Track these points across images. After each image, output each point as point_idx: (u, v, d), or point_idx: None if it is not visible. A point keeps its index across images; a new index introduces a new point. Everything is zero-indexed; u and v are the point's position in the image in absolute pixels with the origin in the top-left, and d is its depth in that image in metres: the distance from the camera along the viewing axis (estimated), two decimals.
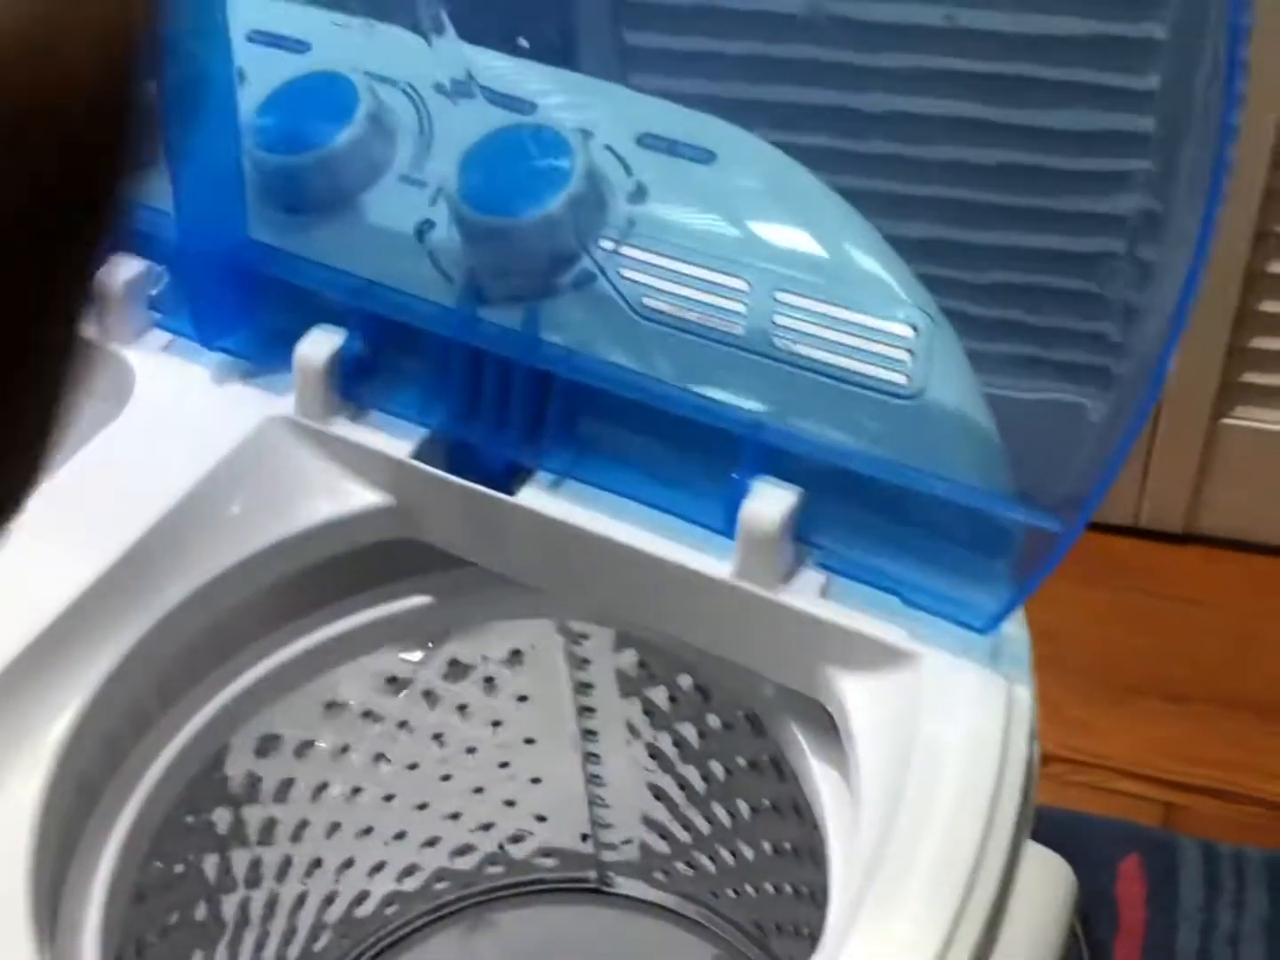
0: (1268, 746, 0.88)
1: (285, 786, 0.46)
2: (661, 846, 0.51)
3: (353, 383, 0.41)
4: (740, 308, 0.35)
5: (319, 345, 0.41)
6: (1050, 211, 0.34)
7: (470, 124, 0.41)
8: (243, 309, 0.42)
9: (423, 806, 0.51)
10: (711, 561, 0.37)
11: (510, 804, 0.52)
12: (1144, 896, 0.82)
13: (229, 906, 0.46)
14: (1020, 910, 0.31)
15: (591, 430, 0.39)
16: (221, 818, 0.44)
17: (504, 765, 0.50)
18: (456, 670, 0.47)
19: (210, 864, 0.45)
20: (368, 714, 0.47)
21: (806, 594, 0.36)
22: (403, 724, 0.48)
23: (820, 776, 0.38)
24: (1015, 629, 0.35)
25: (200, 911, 0.45)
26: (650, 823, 0.51)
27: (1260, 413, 0.94)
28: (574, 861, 0.54)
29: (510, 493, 0.39)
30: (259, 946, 0.47)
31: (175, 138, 0.39)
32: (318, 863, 0.49)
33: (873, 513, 0.35)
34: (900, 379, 0.33)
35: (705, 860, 0.50)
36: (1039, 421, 0.33)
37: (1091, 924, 0.81)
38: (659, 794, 0.49)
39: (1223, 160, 0.27)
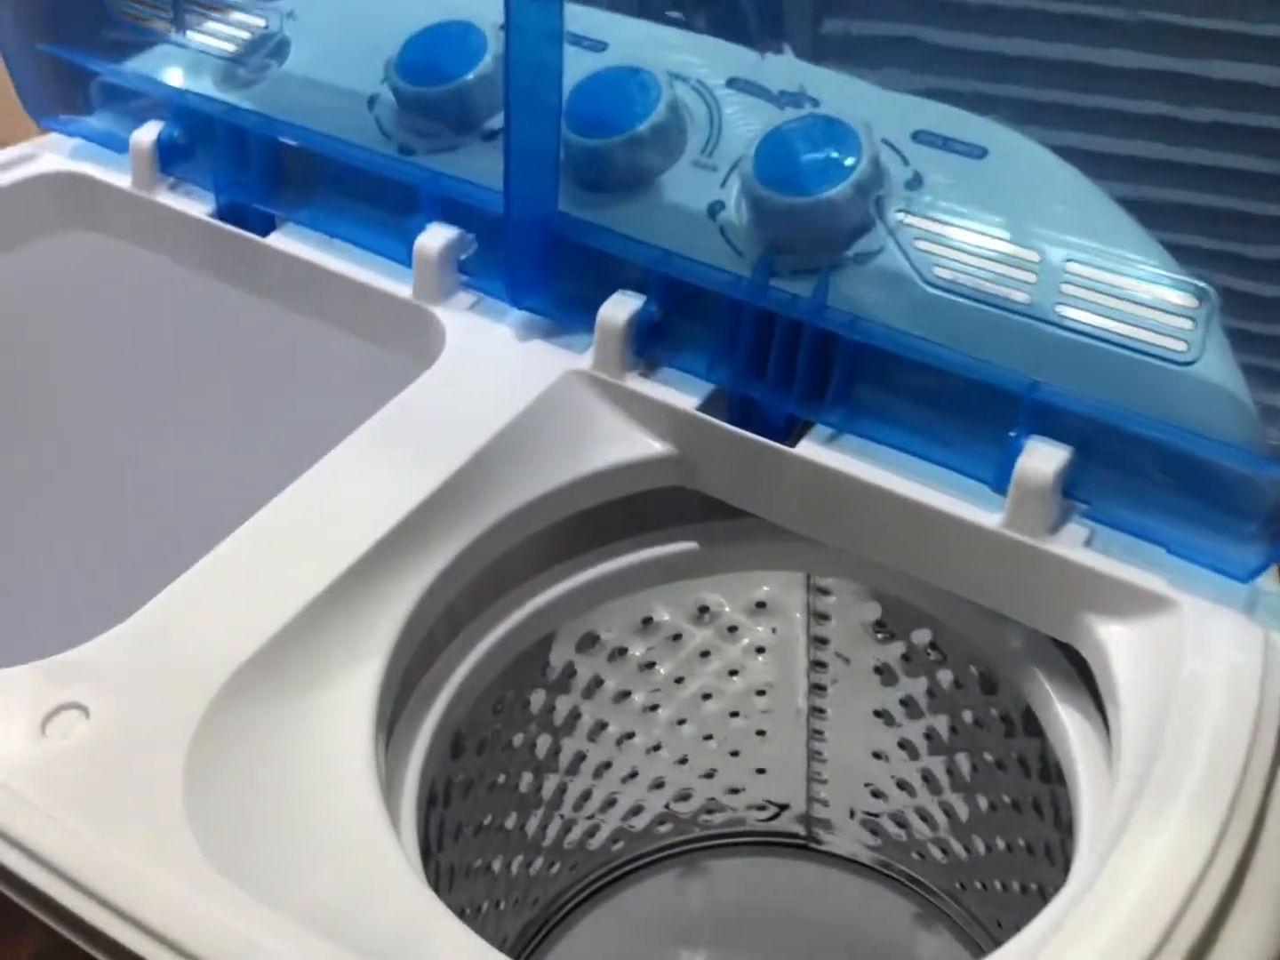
0: None
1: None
2: (874, 805, 0.55)
3: (646, 342, 0.46)
4: (1029, 276, 0.39)
5: (620, 307, 0.45)
6: None
7: (757, 117, 0.46)
8: (549, 274, 0.47)
9: (656, 748, 0.55)
10: (981, 513, 0.41)
11: (734, 754, 0.56)
12: None
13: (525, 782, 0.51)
14: (1273, 833, 0.35)
15: (871, 389, 0.43)
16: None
17: (734, 715, 0.54)
18: (704, 616, 0.51)
19: (518, 739, 0.50)
20: (621, 651, 0.51)
21: (1072, 544, 0.40)
22: (650, 665, 0.52)
23: (1066, 720, 0.42)
24: (1271, 585, 0.38)
25: (501, 779, 0.50)
26: (866, 782, 0.55)
27: None
28: (787, 817, 0.58)
29: (790, 444, 0.43)
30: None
31: (514, 122, 0.44)
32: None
33: (1138, 471, 0.39)
34: (1180, 346, 0.37)
35: (916, 819, 0.54)
36: None
37: None
38: (878, 753, 0.53)
39: None
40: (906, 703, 0.51)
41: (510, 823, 0.52)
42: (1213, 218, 0.38)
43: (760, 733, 0.55)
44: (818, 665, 0.52)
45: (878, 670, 0.51)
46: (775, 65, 0.47)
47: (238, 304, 0.55)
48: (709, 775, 0.56)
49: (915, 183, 0.43)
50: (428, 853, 0.45)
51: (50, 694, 0.38)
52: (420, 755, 0.44)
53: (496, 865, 0.52)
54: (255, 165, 0.53)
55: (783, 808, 0.57)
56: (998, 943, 0.51)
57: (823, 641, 0.52)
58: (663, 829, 0.57)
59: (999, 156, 0.43)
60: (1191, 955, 0.31)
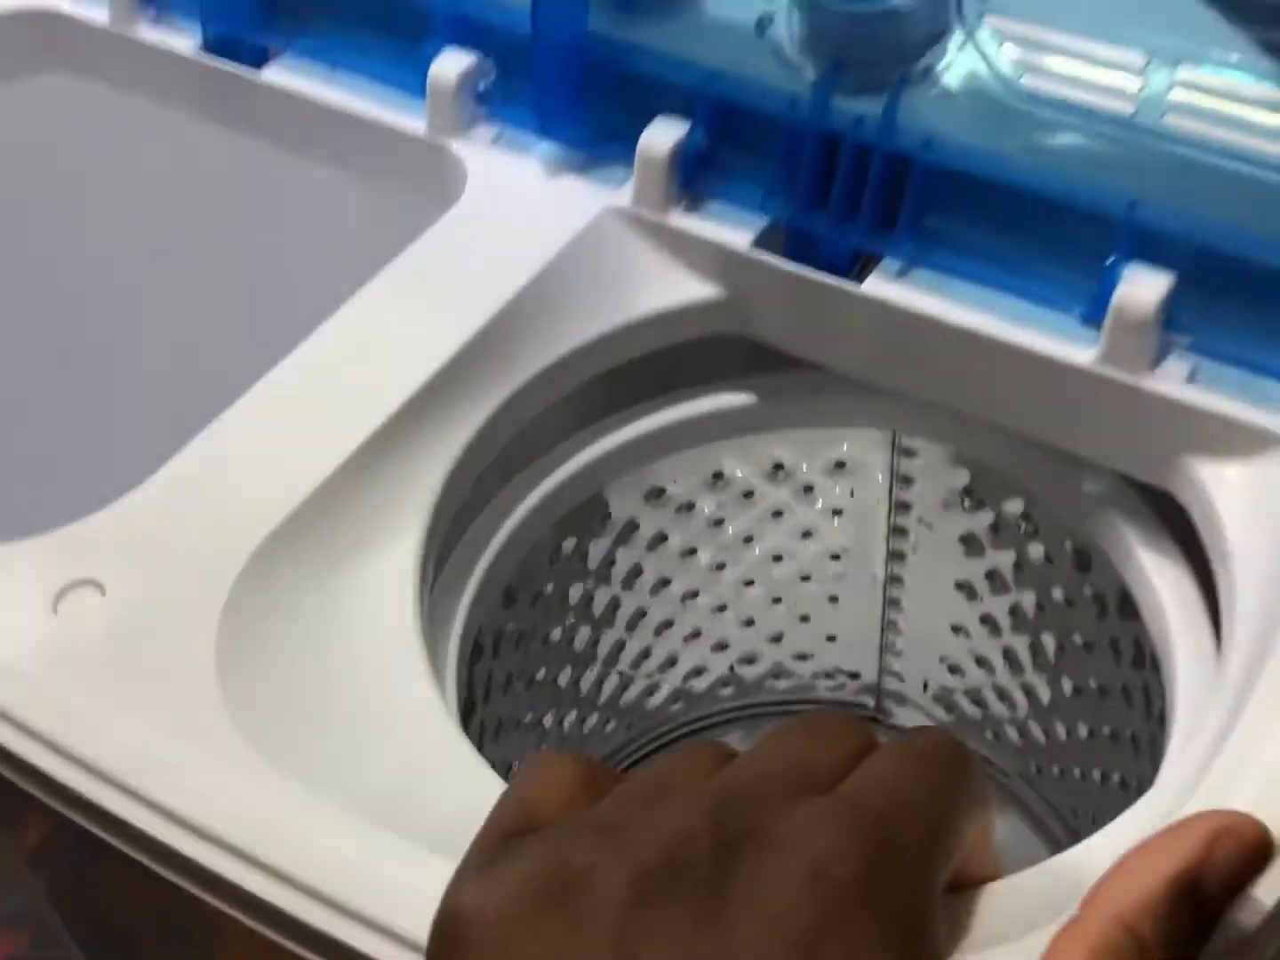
0: None
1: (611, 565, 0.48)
2: (950, 681, 0.52)
3: (692, 174, 0.42)
4: (1134, 83, 0.35)
5: (663, 135, 0.41)
6: None
7: None
8: (581, 100, 0.43)
9: (721, 609, 0.52)
10: (1073, 349, 0.37)
11: (804, 619, 0.53)
12: None
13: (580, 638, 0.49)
14: None
15: (946, 218, 0.39)
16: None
17: (805, 579, 0.51)
18: (778, 474, 0.48)
19: (575, 593, 0.48)
20: (689, 506, 0.48)
21: (1174, 380, 0.36)
22: (718, 522, 0.49)
23: (1163, 590, 0.39)
24: None
25: (556, 634, 0.48)
26: (942, 657, 0.52)
27: None
28: (856, 687, 0.55)
29: (858, 280, 0.39)
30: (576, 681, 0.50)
31: None
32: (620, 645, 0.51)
33: (1246, 297, 0.35)
34: None
35: (994, 698, 0.51)
36: None
37: None
38: (958, 628, 0.50)
39: None
40: (992, 576, 0.48)
41: (564, 678, 0.50)
42: None
43: (833, 599, 0.52)
44: (899, 531, 0.49)
45: (963, 540, 0.48)
46: None
47: (232, 148, 0.50)
48: (776, 639, 0.53)
49: None
50: (472, 706, 0.42)
51: (61, 569, 0.34)
52: (466, 606, 0.41)
53: (548, 720, 0.49)
54: None
55: (853, 677, 0.55)
56: (1074, 833, 0.50)
57: (906, 506, 0.48)
58: (725, 691, 0.55)
59: None
60: None
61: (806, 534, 0.50)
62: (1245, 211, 0.35)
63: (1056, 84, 0.37)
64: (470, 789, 0.32)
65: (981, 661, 0.50)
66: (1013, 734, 0.52)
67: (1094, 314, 0.37)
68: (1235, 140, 0.34)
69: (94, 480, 0.37)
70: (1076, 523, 0.43)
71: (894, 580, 0.52)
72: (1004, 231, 0.38)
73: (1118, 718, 0.45)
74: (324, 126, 0.47)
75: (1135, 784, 0.44)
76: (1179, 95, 0.35)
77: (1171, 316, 0.36)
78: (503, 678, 0.46)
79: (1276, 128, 0.34)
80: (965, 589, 0.49)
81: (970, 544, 0.48)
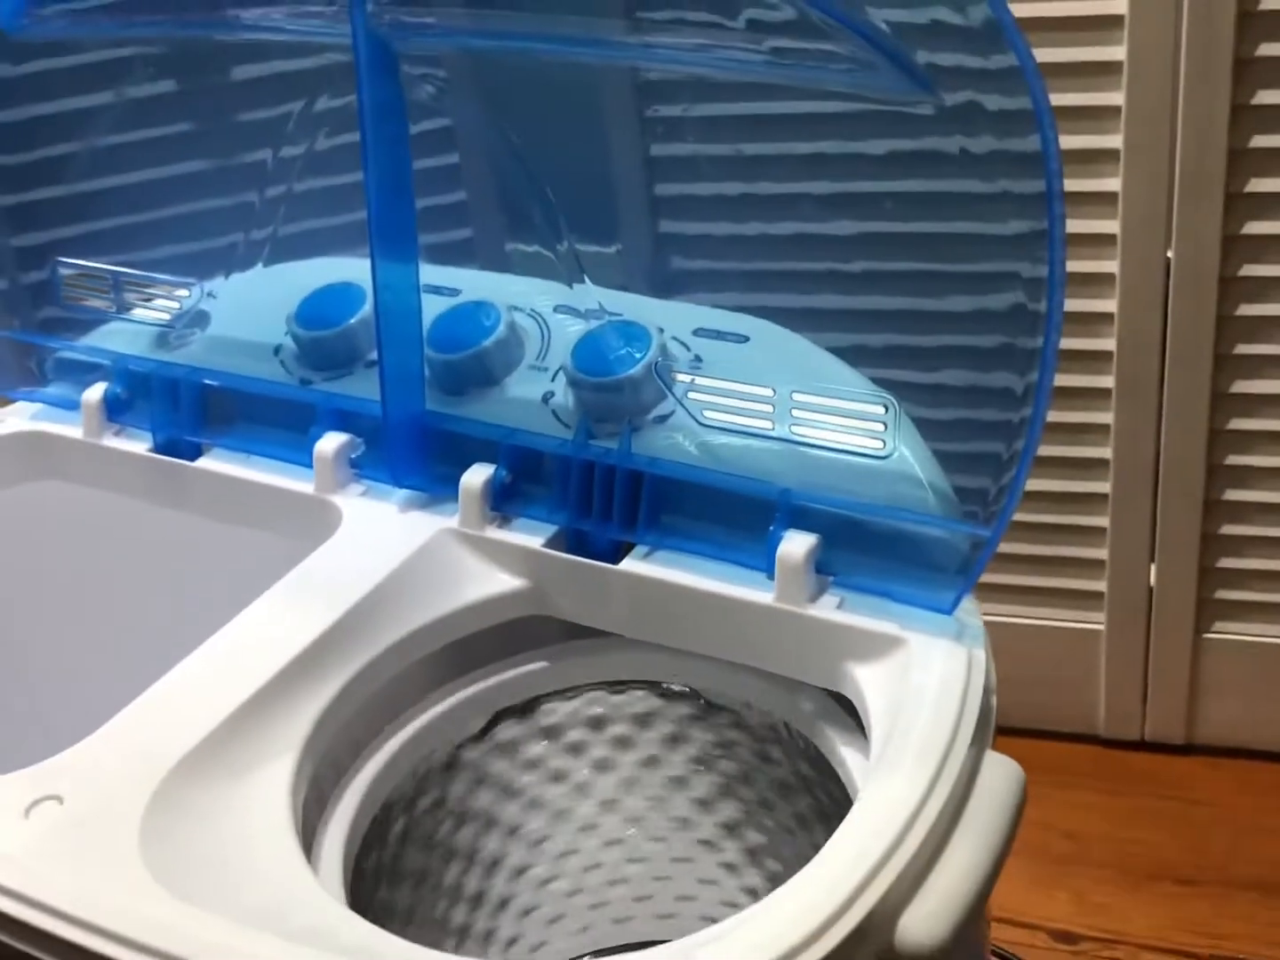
0: (1273, 920, 0.99)
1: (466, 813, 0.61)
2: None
3: (500, 501, 0.58)
4: (769, 408, 0.53)
5: (476, 475, 0.58)
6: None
7: (576, 327, 0.60)
8: (422, 458, 0.60)
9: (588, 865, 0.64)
10: (758, 593, 0.53)
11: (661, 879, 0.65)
12: None
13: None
14: (982, 791, 0.45)
15: (672, 514, 0.55)
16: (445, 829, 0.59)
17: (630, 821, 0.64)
18: (598, 721, 0.62)
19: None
20: (531, 761, 0.62)
21: (828, 608, 0.51)
22: (560, 775, 0.62)
23: (849, 757, 0.52)
24: (973, 619, 0.50)
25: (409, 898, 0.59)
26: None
27: (1236, 626, 1.08)
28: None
29: (615, 563, 0.55)
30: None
31: (385, 351, 0.58)
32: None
33: (867, 544, 0.51)
34: (878, 444, 0.50)
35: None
36: (967, 464, 0.50)
37: None
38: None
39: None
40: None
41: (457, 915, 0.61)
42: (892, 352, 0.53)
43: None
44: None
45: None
46: (581, 292, 0.61)
47: (174, 522, 0.67)
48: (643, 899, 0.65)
49: (696, 362, 0.57)
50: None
51: (33, 790, 0.48)
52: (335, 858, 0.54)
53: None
54: (185, 406, 0.66)
55: None
56: None
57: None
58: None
59: (756, 339, 0.57)
60: (910, 872, 0.42)
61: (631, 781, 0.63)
62: (850, 485, 0.51)
63: (727, 415, 0.54)
64: (331, 921, 0.44)
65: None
66: None
67: (771, 568, 0.52)
68: (832, 438, 0.51)
69: (61, 734, 0.51)
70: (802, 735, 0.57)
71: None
72: (709, 519, 0.55)
73: None
74: (242, 495, 0.64)
75: None
76: (797, 413, 0.52)
77: (821, 564, 0.52)
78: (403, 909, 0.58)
79: (856, 426, 0.51)
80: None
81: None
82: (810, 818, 0.59)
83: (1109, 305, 0.97)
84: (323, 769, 0.53)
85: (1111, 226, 0.94)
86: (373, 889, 0.57)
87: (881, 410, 0.50)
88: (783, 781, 0.60)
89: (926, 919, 0.41)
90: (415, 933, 0.60)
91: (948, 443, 0.51)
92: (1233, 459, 1.02)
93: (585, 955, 0.66)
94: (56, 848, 0.45)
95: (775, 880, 0.62)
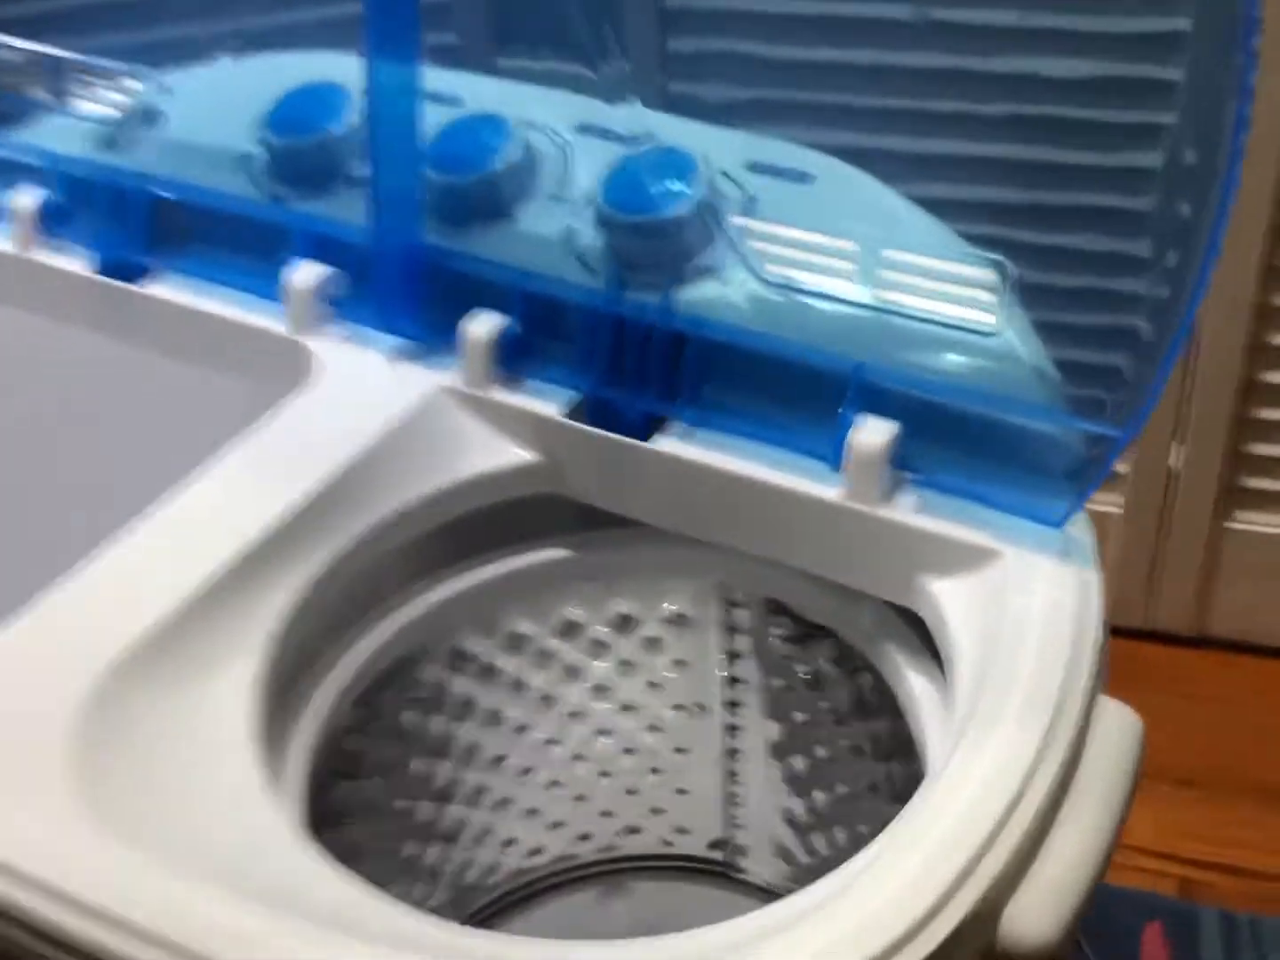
0: (1278, 826, 0.94)
1: (466, 705, 0.53)
2: (786, 834, 0.57)
3: (510, 357, 0.49)
4: (850, 266, 0.43)
5: (483, 324, 0.49)
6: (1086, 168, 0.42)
7: (606, 155, 0.50)
8: (417, 299, 0.50)
9: (579, 758, 0.56)
10: (822, 487, 0.44)
11: (657, 771, 0.57)
12: (1168, 957, 0.86)
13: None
14: (1096, 749, 0.38)
15: (718, 385, 0.46)
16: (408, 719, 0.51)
17: (655, 728, 0.56)
18: (625, 625, 0.54)
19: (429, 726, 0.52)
20: (542, 655, 0.53)
21: (905, 511, 0.43)
22: (572, 670, 0.54)
23: (918, 687, 0.45)
24: (1082, 533, 0.42)
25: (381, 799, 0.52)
26: (776, 807, 0.56)
27: (1260, 516, 1.02)
28: (705, 842, 0.60)
29: (646, 440, 0.46)
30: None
31: (380, 165, 0.48)
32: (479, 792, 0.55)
33: (960, 438, 0.43)
34: (988, 319, 0.41)
35: (822, 845, 0.56)
36: (1095, 347, 0.41)
37: None
38: (787, 774, 0.55)
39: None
40: (812, 722, 0.53)
41: (407, 851, 0.54)
42: (1001, 210, 0.43)
43: (680, 750, 0.57)
44: (734, 680, 0.55)
45: (789, 689, 0.54)
46: (624, 113, 0.51)
47: (118, 355, 0.57)
48: (631, 792, 0.58)
49: (750, 203, 0.47)
50: (333, 820, 0.46)
51: None
52: (300, 777, 0.45)
53: (408, 850, 0.53)
54: (134, 221, 0.56)
55: (703, 833, 0.59)
56: None
57: (736, 656, 0.54)
58: (583, 847, 0.59)
59: (823, 179, 0.48)
60: (1018, 856, 0.34)
61: (654, 684, 0.55)
62: (947, 366, 0.42)
63: (794, 270, 0.44)
64: (285, 864, 0.36)
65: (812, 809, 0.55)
66: None
67: (838, 459, 0.44)
68: (931, 307, 0.42)
69: None
70: (863, 653, 0.49)
71: (732, 730, 0.57)
72: (764, 394, 0.46)
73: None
74: (198, 330, 0.54)
75: None
76: (885, 274, 0.43)
77: (901, 458, 0.43)
78: (349, 848, 0.50)
79: (962, 295, 0.42)
80: (795, 736, 0.54)
81: (789, 694, 0.54)
82: (854, 741, 0.52)
83: None
84: (292, 663, 0.44)
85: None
86: (338, 784, 0.49)
87: (993, 276, 0.41)
88: (825, 698, 0.53)
89: (1037, 910, 0.34)
90: (379, 826, 0.52)
91: (1071, 317, 0.42)
92: (1277, 338, 0.94)
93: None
94: None
95: (794, 782, 0.55)
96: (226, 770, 0.38)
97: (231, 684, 0.41)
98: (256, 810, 0.37)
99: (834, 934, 0.32)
